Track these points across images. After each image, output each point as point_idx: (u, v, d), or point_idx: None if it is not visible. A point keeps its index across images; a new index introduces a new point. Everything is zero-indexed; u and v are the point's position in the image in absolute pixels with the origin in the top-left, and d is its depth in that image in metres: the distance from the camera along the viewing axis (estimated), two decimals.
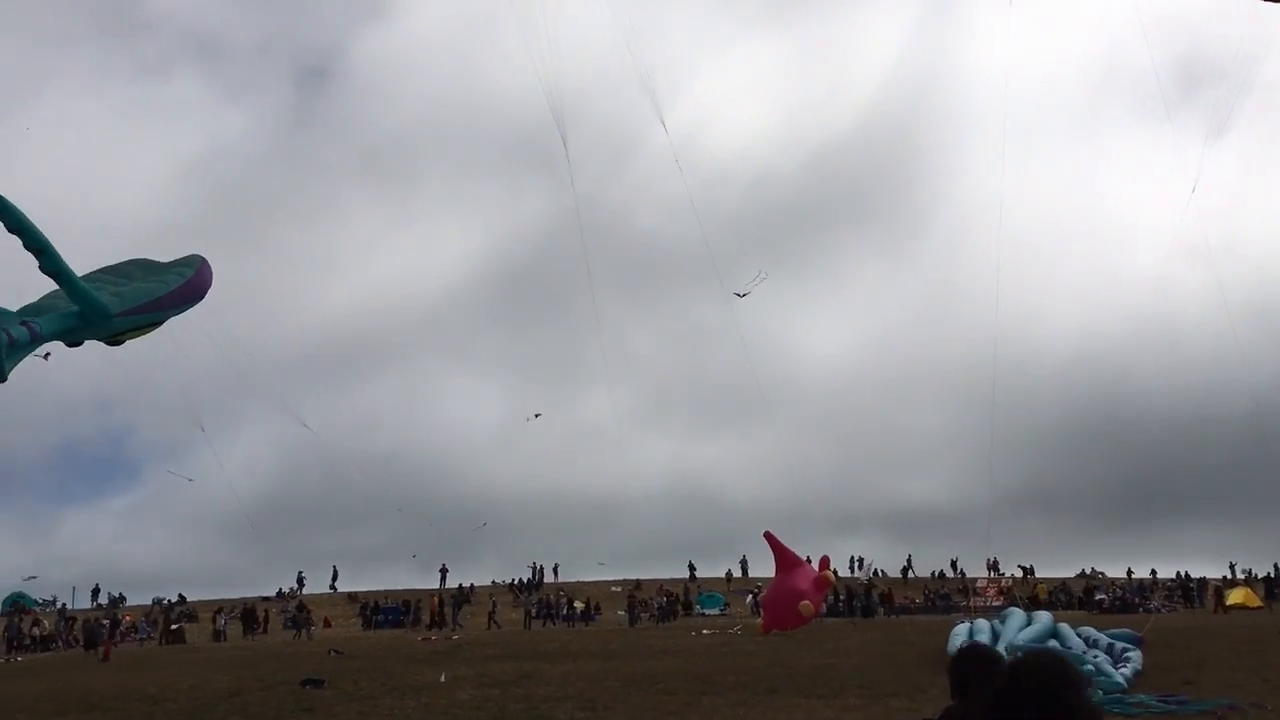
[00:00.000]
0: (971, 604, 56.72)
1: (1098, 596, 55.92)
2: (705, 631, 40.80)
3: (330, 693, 20.21)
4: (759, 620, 41.28)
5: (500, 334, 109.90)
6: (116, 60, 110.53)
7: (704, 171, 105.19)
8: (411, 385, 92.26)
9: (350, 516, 75.42)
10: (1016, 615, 23.60)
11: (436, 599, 58.79)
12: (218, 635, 47.18)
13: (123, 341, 13.26)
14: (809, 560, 39.25)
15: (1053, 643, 20.94)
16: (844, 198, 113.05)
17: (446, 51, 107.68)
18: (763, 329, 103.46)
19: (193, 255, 14.31)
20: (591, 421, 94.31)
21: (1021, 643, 20.60)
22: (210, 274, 14.11)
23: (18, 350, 11.46)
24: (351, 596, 63.52)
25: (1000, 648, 20.11)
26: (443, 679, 21.81)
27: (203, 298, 13.94)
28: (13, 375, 9.71)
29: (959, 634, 23.06)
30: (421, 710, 17.24)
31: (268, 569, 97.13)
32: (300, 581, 63.15)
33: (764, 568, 66.51)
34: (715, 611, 56.70)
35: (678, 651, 28.86)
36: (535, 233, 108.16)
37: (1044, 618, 23.54)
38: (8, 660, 38.07)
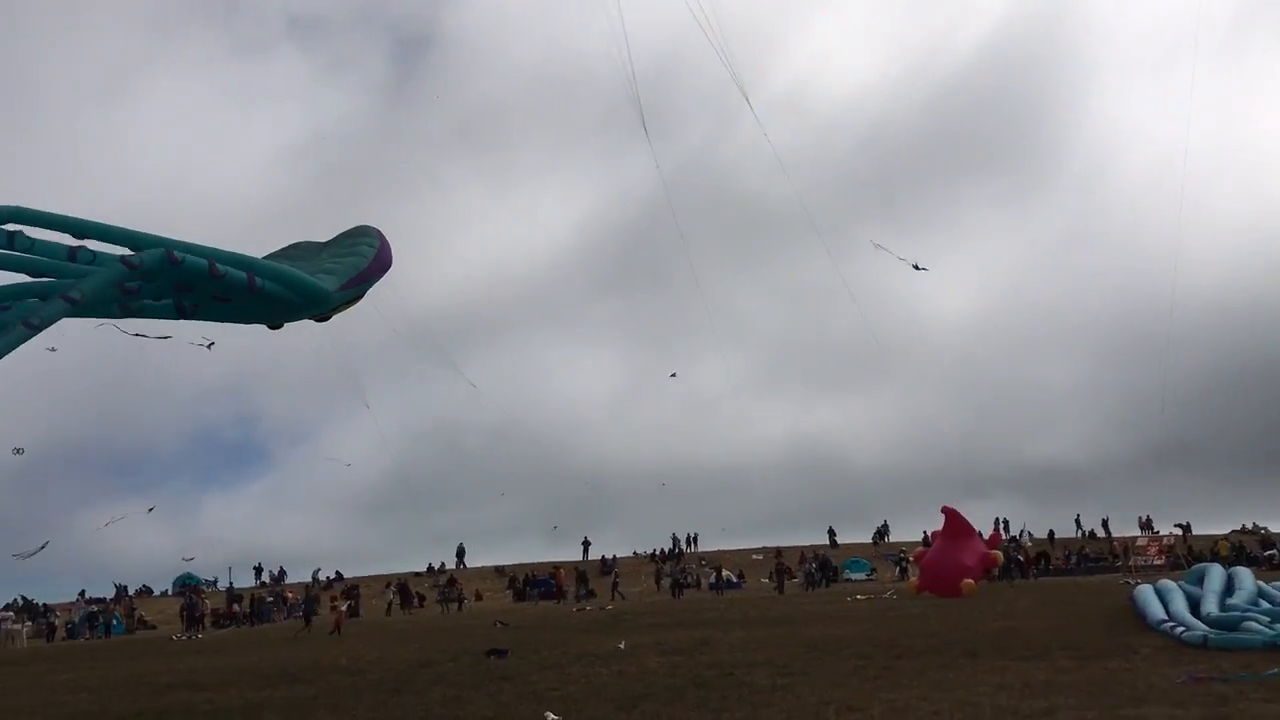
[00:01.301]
0: (1133, 563, 54.89)
1: (1267, 552, 53.51)
2: (859, 597, 40.23)
3: (516, 662, 20.48)
4: (909, 581, 40.75)
5: (608, 303, 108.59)
6: (217, 43, 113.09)
7: (816, 121, 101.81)
8: (519, 358, 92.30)
9: (481, 491, 76.61)
10: (1216, 573, 22.38)
11: (573, 571, 59.59)
12: (389, 609, 48.82)
13: (330, 317, 13.62)
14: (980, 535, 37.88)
15: (1263, 603, 19.88)
16: (964, 143, 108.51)
17: (542, 15, 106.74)
18: (880, 285, 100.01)
19: (364, 227, 14.53)
20: (708, 388, 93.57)
21: (1241, 603, 19.57)
22: (389, 248, 14.34)
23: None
24: (499, 570, 64.78)
25: (1207, 610, 19.22)
26: (622, 646, 21.92)
27: (389, 268, 14.18)
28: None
29: (1145, 596, 22.09)
30: (615, 676, 17.30)
31: (402, 546, 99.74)
32: (460, 554, 64.30)
33: (904, 532, 65.53)
34: (861, 576, 56.11)
35: (843, 617, 28.47)
36: (637, 198, 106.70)
37: (1245, 576, 22.29)
38: (189, 637, 39.83)
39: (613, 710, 13.88)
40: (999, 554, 40.93)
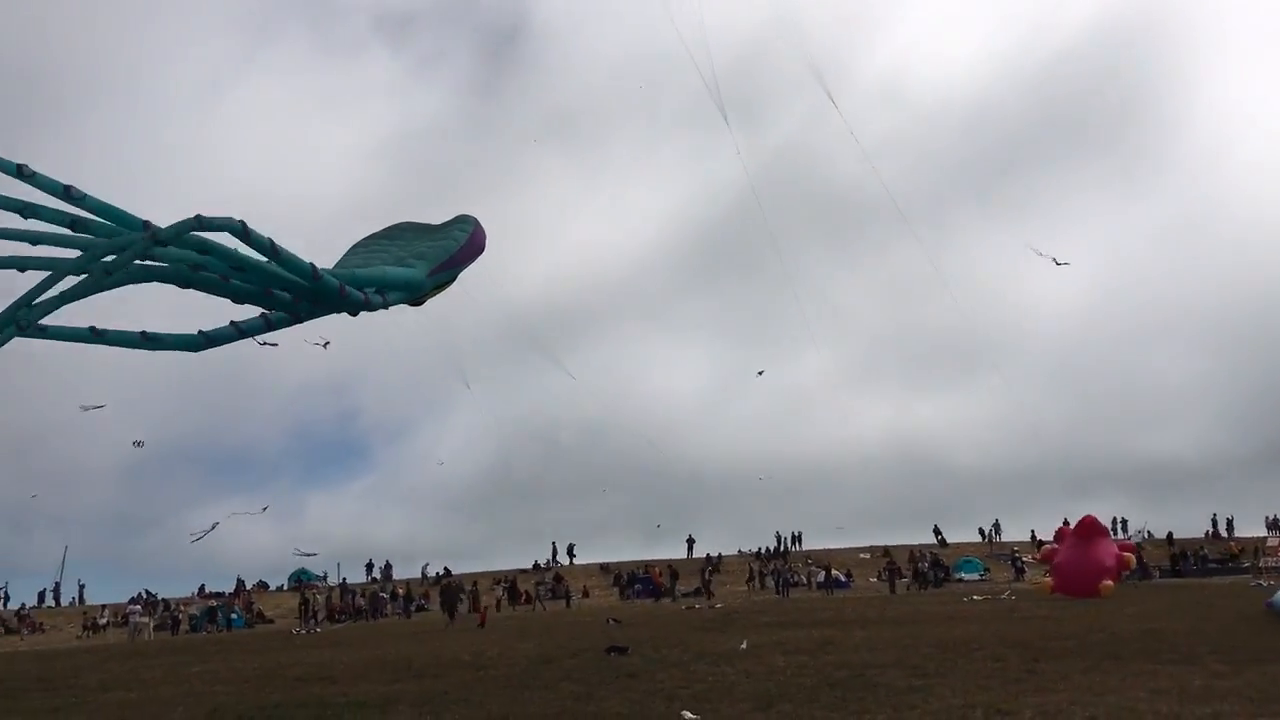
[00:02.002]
0: (1262, 564, 52.68)
1: None
2: (976, 597, 39.34)
3: (638, 659, 20.38)
4: (1038, 581, 39.57)
5: (699, 296, 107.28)
6: (309, 45, 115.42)
7: (913, 105, 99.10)
8: (611, 353, 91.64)
9: (579, 487, 76.79)
10: None
11: (667, 569, 59.42)
12: (499, 605, 49.36)
13: (424, 301, 13.65)
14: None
15: None
16: (1070, 125, 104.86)
17: (630, 6, 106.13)
18: (981, 275, 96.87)
19: (463, 215, 14.53)
20: (803, 383, 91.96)
21: None
22: (484, 232, 14.31)
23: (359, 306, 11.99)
24: (604, 567, 65.00)
25: None
26: (744, 646, 21.67)
27: (482, 251, 14.14)
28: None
29: None
30: (742, 675, 17.04)
31: (502, 541, 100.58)
32: (571, 553, 64.67)
33: (1015, 532, 63.76)
34: (975, 576, 54.86)
35: (966, 618, 27.77)
36: (728, 190, 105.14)
37: None
38: (307, 631, 40.74)
39: (749, 710, 13.62)
40: (1132, 556, 39.66)
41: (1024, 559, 55.98)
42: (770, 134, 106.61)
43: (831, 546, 67.29)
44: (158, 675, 22.71)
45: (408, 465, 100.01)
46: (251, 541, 65.63)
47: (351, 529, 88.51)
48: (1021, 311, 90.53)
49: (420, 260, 13.15)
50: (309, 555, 63.21)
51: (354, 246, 13.88)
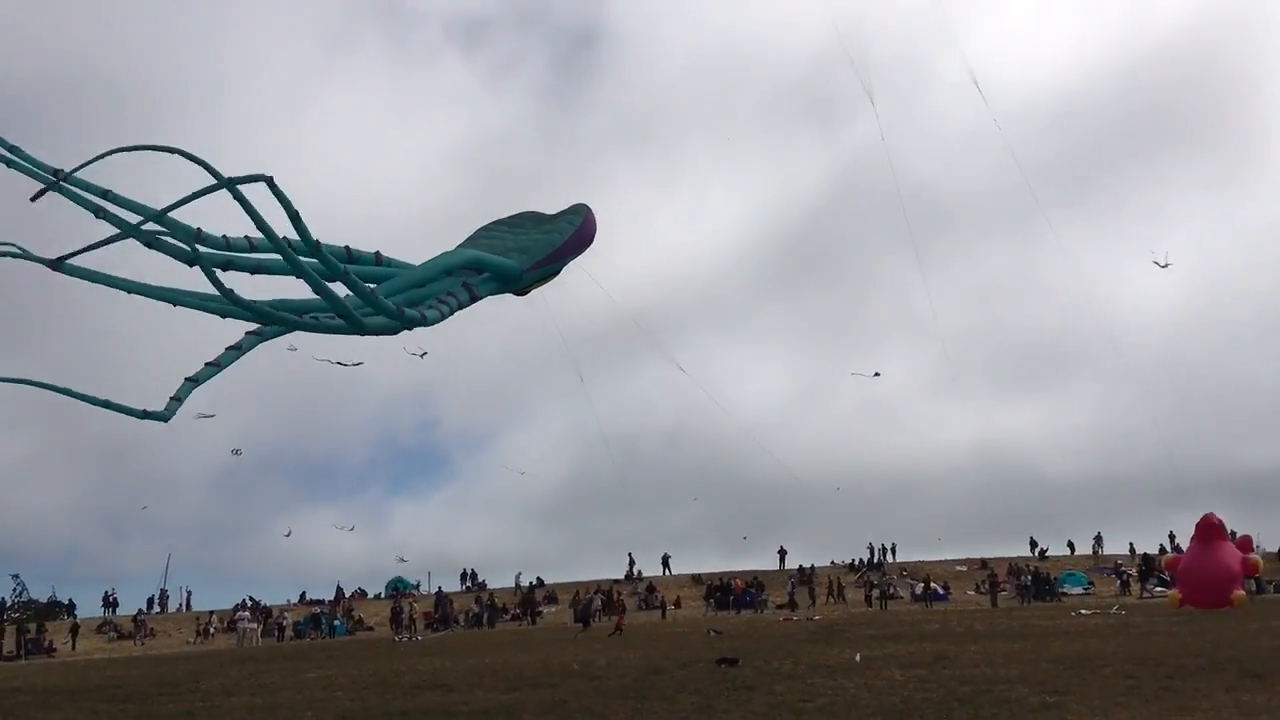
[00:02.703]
0: None
1: None
2: (1084, 611, 38.30)
3: (750, 671, 20.21)
4: (1170, 595, 38.04)
5: (781, 302, 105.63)
6: (384, 54, 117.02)
7: (1000, 103, 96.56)
8: (692, 361, 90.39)
9: (664, 496, 76.30)
10: None
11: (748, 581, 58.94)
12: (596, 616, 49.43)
13: (529, 292, 13.71)
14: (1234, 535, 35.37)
15: None
16: (1166, 121, 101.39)
17: (701, 8, 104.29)
18: (1072, 279, 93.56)
19: (579, 204, 14.54)
20: (888, 389, 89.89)
21: None
22: (595, 221, 14.28)
23: (454, 308, 12.11)
24: (695, 579, 64.73)
25: None
26: (858, 659, 21.39)
27: (591, 243, 14.13)
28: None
29: None
30: (862, 690, 16.78)
31: (587, 551, 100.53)
32: (665, 563, 64.55)
33: (1117, 545, 61.84)
34: (1078, 590, 53.42)
35: (1082, 632, 27.05)
36: (811, 190, 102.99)
37: None
38: (410, 639, 41.26)
39: None
40: (1258, 558, 37.60)
41: (1129, 572, 54.39)
42: (850, 133, 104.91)
43: (926, 558, 66.11)
44: (276, 680, 23.20)
45: (490, 474, 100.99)
46: (341, 549, 66.72)
47: (436, 537, 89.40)
48: (1117, 314, 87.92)
49: (523, 254, 13.26)
50: (402, 561, 64.32)
51: (477, 231, 14.06)
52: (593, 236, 14.11)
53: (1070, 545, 64.96)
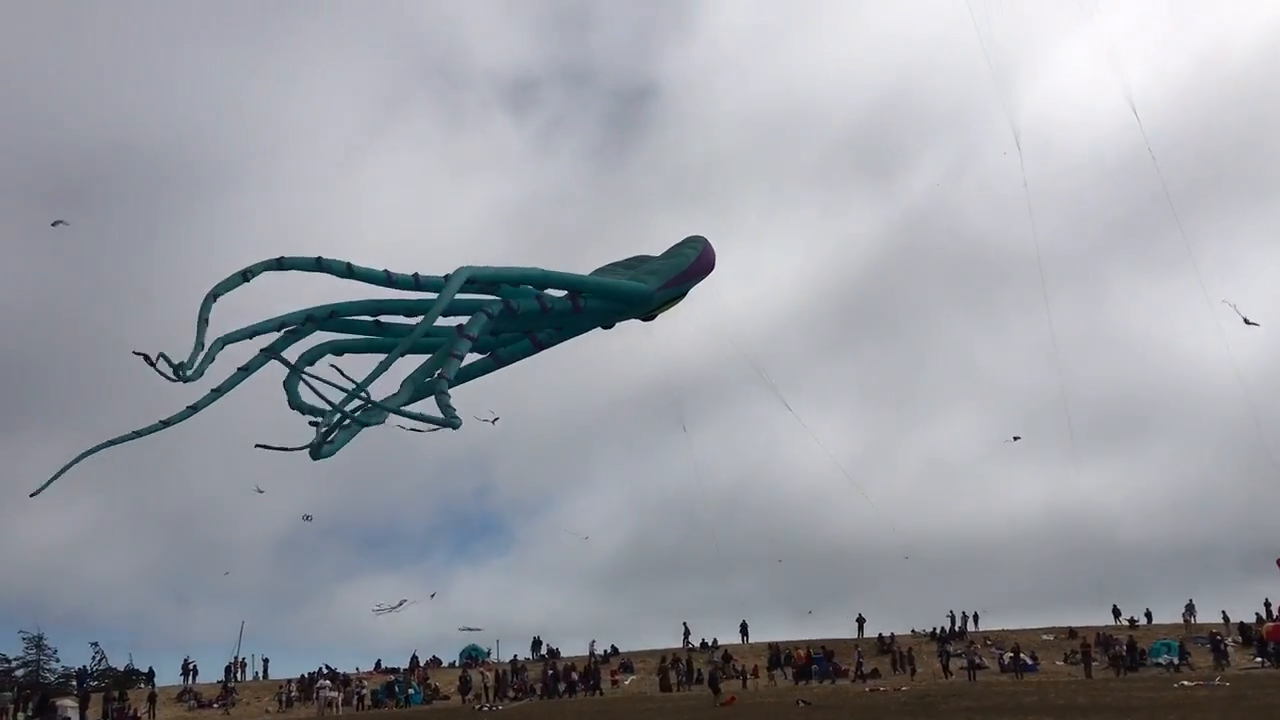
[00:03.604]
0: None
1: None
2: (1186, 684, 36.83)
3: None
4: (1263, 666, 36.33)
5: (834, 360, 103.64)
6: (438, 116, 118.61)
7: (1063, 152, 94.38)
8: (751, 424, 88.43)
9: (723, 566, 74.82)
10: None
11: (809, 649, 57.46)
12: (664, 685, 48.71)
13: (655, 317, 13.62)
14: None
15: None
16: (1238, 168, 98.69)
17: (754, 63, 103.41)
18: (1139, 332, 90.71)
19: (695, 235, 14.51)
20: (949, 451, 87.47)
21: None
22: (713, 250, 14.27)
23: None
24: (771, 646, 63.39)
25: None
26: None
27: (712, 270, 14.07)
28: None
29: None
30: None
31: (651, 619, 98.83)
32: (744, 631, 63.38)
33: (1210, 614, 59.53)
34: (1172, 660, 51.31)
35: (1194, 705, 25.94)
36: (862, 248, 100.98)
37: None
38: (491, 708, 40.74)
39: None
40: None
41: (1226, 641, 52.24)
42: (905, 185, 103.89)
43: (1010, 627, 64.19)
44: None
45: (549, 539, 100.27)
46: (406, 618, 66.24)
47: (498, 605, 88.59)
48: (1191, 370, 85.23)
49: (652, 275, 13.26)
50: (474, 630, 63.74)
51: (592, 273, 14.06)
52: (714, 263, 14.14)
53: (1148, 614, 62.55)
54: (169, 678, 56.38)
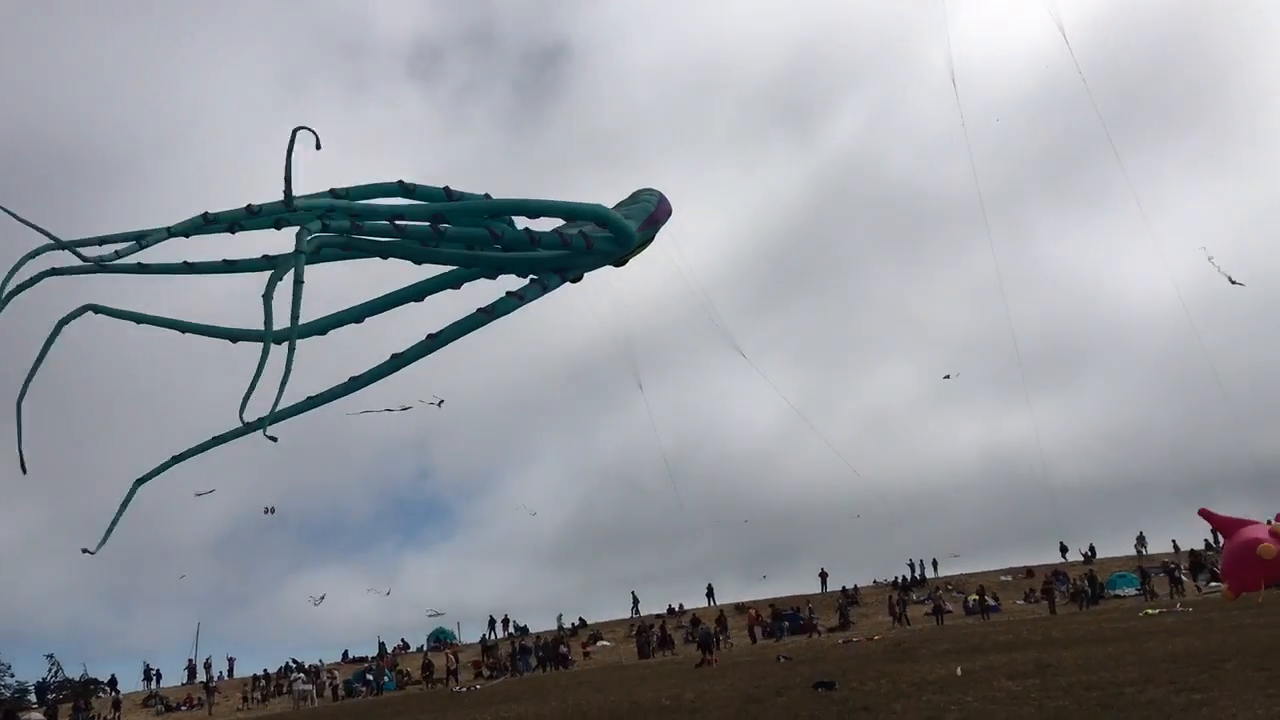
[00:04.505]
0: None
1: None
2: (1150, 611, 37.78)
3: (851, 692, 19.78)
4: (1225, 590, 37.23)
5: (766, 316, 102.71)
6: (342, 90, 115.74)
7: (977, 95, 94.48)
8: (684, 386, 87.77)
9: (671, 533, 74.58)
10: None
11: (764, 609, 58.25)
12: (641, 652, 48.87)
13: (627, 261, 13.46)
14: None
15: None
16: (1152, 102, 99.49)
17: (667, 16, 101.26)
18: (1065, 273, 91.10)
19: (646, 187, 14.41)
20: (888, 400, 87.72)
21: None
22: (668, 200, 14.19)
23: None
24: (739, 607, 63.97)
25: None
26: (959, 672, 20.95)
27: (670, 217, 13.98)
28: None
29: None
30: (988, 702, 16.36)
31: (609, 590, 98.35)
32: (710, 594, 63.79)
33: (1160, 544, 60.98)
34: (1132, 591, 52.74)
35: (1170, 631, 26.57)
36: (788, 200, 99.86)
37: None
38: (468, 689, 40.58)
39: None
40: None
41: (1181, 569, 53.79)
42: (827, 138, 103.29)
43: (969, 571, 65.46)
44: None
45: (496, 519, 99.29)
46: (357, 606, 65.50)
47: (450, 587, 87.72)
48: (1115, 307, 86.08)
49: (629, 219, 13.10)
50: (438, 615, 63.53)
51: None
52: (671, 210, 14.01)
53: (1091, 548, 63.98)
54: (130, 684, 55.52)
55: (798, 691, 21.14)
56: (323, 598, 57.24)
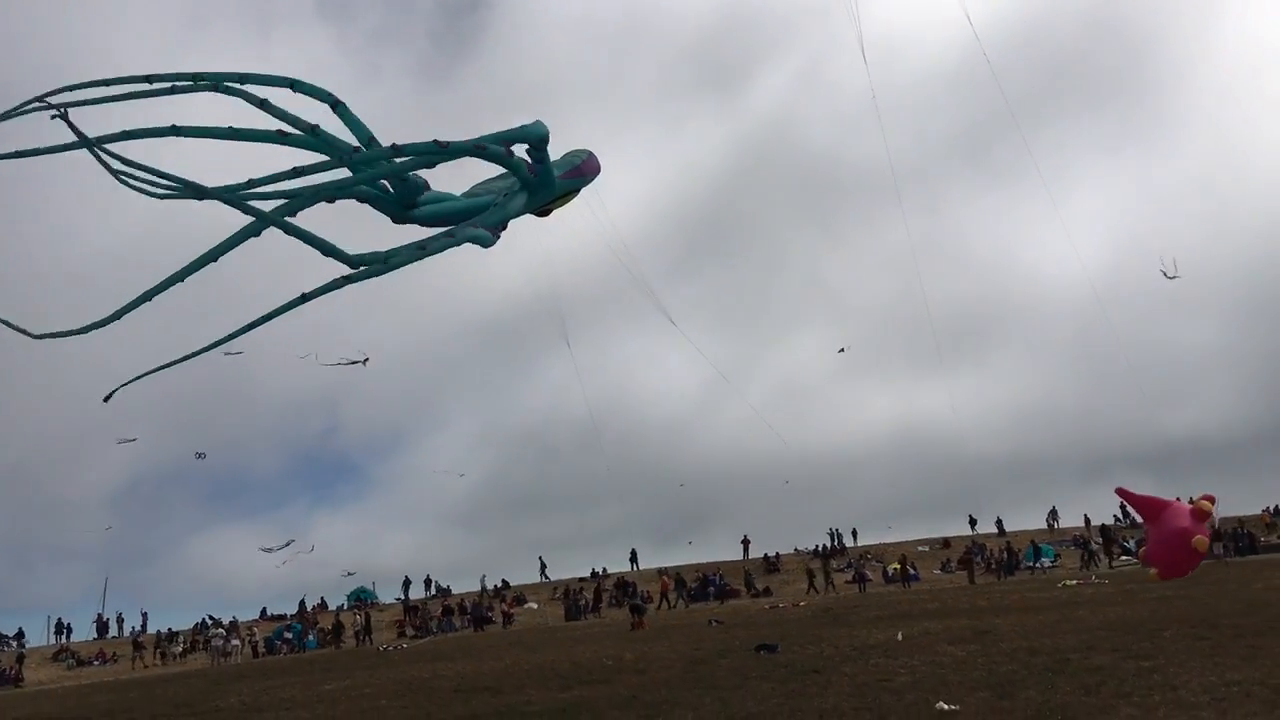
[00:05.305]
0: None
1: None
2: (1070, 582, 38.82)
3: (795, 656, 19.92)
4: (1130, 563, 38.48)
5: (680, 283, 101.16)
6: (247, 31, 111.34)
7: (896, 66, 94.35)
8: (598, 352, 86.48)
9: (585, 498, 73.81)
10: None
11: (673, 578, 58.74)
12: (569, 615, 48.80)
13: (550, 211, 13.35)
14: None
15: None
16: (1068, 79, 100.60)
17: None
18: (980, 248, 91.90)
19: (582, 149, 14.30)
20: (799, 370, 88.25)
21: None
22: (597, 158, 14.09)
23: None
24: (661, 571, 64.23)
25: None
26: (899, 637, 21.24)
27: (599, 173, 13.90)
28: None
29: None
30: (936, 666, 16.56)
31: (514, 554, 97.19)
32: (634, 559, 63.86)
33: (1073, 518, 62.58)
34: (1048, 563, 54.22)
35: (1097, 601, 27.28)
36: (706, 165, 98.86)
37: None
38: (395, 648, 40.13)
39: (994, 697, 13.14)
40: (1206, 503, 36.63)
41: (1094, 542, 55.42)
42: (748, 103, 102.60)
43: (887, 541, 66.63)
44: (297, 695, 22.20)
45: (408, 480, 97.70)
46: (262, 566, 64.23)
47: (362, 547, 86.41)
48: (1026, 282, 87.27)
49: (554, 167, 12.97)
50: (350, 574, 62.71)
51: (474, 186, 13.61)
52: (600, 168, 13.89)
53: (998, 522, 65.43)
54: (36, 638, 53.94)
55: (740, 654, 21.24)
56: (289, 543, 55.60)
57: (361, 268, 9.49)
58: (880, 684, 15.27)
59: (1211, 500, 36.15)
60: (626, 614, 48.00)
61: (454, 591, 63.45)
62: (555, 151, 13.88)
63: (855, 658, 18.77)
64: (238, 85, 9.76)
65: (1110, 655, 15.78)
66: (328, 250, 9.26)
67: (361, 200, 10.73)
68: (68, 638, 52.70)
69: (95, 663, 47.89)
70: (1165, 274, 38.97)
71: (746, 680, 17.06)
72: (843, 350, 62.11)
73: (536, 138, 11.67)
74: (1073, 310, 77.58)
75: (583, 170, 13.44)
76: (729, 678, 17.63)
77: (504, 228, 12.88)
